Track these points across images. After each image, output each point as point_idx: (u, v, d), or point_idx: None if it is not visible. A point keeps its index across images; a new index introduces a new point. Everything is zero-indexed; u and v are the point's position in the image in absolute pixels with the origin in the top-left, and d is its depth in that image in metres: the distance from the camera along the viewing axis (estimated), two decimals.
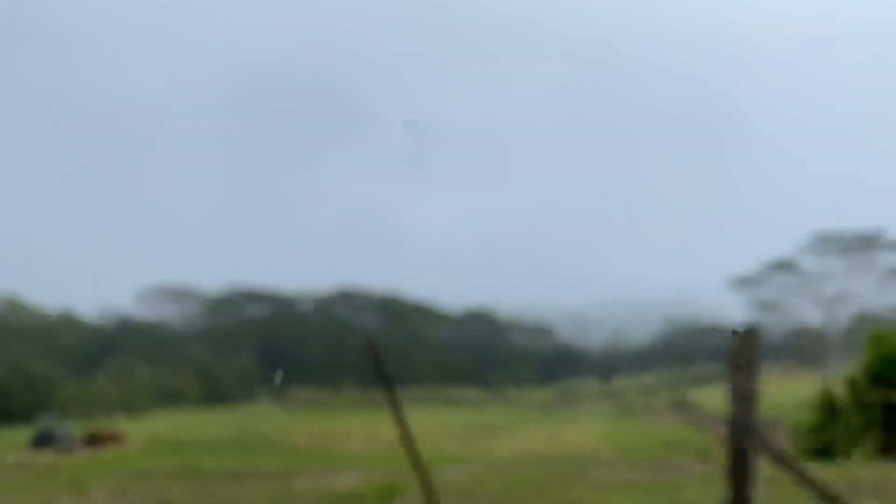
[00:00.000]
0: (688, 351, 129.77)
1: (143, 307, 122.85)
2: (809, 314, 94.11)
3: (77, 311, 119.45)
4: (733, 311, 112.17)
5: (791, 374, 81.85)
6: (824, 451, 25.29)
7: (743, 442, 5.89)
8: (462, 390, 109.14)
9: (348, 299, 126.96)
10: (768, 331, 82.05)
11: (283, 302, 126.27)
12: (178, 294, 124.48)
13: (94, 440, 52.47)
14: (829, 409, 26.63)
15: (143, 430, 64.50)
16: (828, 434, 26.09)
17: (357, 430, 63.42)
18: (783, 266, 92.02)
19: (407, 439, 7.64)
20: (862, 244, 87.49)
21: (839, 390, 27.03)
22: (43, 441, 51.36)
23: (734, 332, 5.94)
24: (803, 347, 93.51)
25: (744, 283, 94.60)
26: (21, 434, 58.92)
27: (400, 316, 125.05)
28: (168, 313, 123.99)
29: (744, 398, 5.91)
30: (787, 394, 43.36)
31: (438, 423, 53.66)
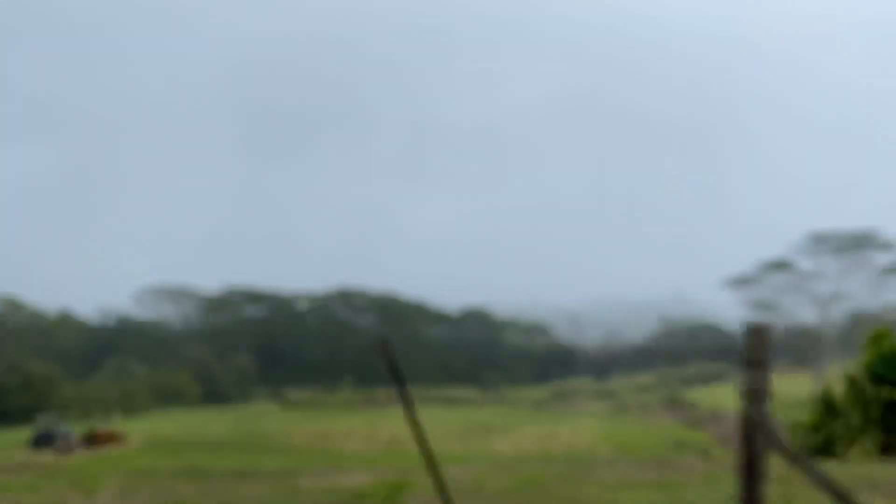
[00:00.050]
0: (684, 350, 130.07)
1: (142, 307, 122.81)
2: (804, 313, 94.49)
3: (76, 311, 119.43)
4: (729, 310, 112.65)
5: (786, 373, 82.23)
6: (823, 450, 25.44)
7: (755, 439, 5.98)
8: (459, 389, 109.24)
9: (346, 299, 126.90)
10: None
11: (281, 302, 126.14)
12: (177, 294, 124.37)
13: (93, 440, 52.39)
14: (828, 407, 26.77)
15: (142, 429, 64.47)
16: (827, 432, 26.23)
17: (355, 429, 63.58)
18: (778, 266, 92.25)
19: (420, 438, 7.74)
20: (856, 244, 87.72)
21: (837, 388, 27.17)
22: (42, 441, 51.23)
23: (747, 329, 6.02)
24: (798, 346, 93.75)
25: (739, 282, 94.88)
26: (21, 434, 58.69)
27: (397, 315, 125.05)
28: (166, 313, 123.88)
29: (756, 395, 6.00)
30: (782, 392, 43.55)
31: (437, 423, 53.75)
